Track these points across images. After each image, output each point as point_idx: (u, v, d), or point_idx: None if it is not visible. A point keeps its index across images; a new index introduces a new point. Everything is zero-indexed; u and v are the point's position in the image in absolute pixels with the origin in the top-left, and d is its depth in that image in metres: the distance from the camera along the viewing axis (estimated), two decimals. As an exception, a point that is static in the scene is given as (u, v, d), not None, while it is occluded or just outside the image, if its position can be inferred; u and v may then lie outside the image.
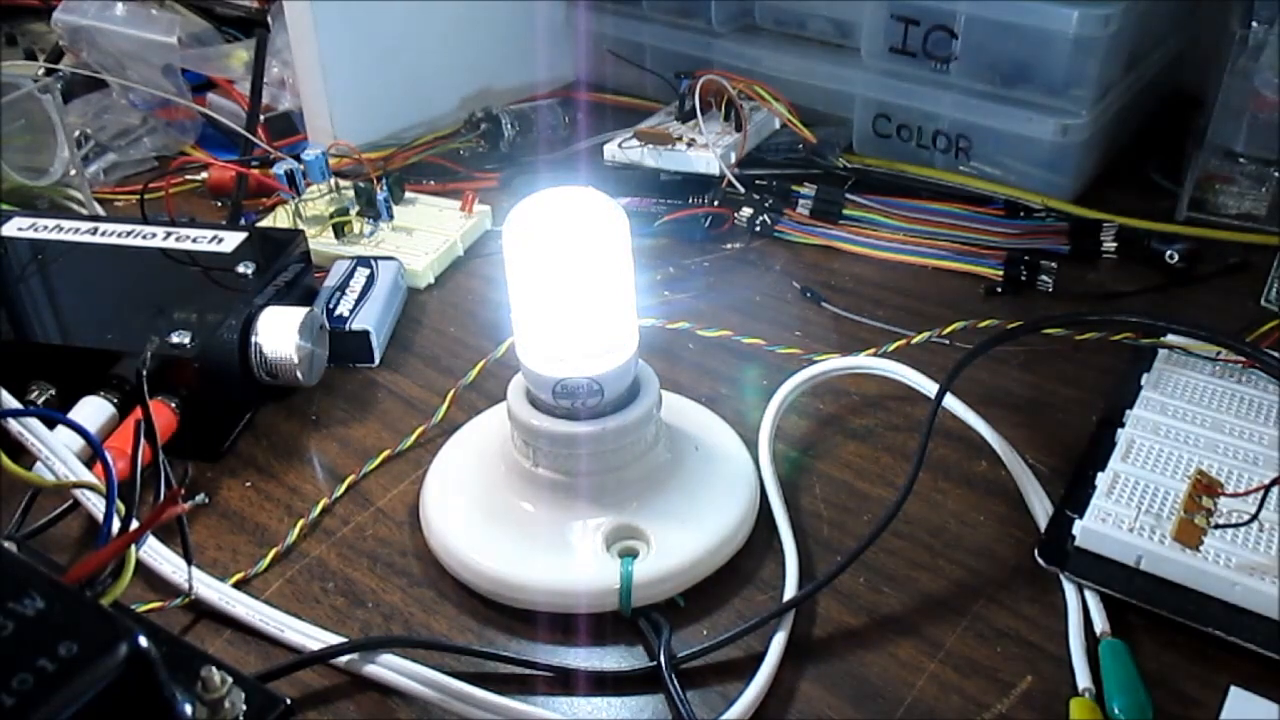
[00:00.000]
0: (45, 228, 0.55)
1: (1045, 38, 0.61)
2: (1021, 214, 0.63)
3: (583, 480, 0.40)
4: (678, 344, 0.54)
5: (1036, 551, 0.40)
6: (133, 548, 0.33)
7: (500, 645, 0.38)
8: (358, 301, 0.54)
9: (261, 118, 0.71)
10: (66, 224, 0.55)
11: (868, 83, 0.69)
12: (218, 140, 0.76)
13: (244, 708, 0.28)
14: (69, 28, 0.73)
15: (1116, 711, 0.34)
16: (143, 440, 0.40)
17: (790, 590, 0.39)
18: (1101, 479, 0.41)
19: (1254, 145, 0.60)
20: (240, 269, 0.51)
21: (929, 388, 0.46)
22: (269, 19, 0.72)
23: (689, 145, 0.66)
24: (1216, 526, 0.37)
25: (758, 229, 0.64)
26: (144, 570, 0.39)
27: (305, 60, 0.68)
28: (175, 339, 0.45)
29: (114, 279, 0.52)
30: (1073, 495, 0.42)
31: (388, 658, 0.36)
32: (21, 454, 0.37)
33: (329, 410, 0.50)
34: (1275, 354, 0.45)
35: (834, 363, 0.49)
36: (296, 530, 0.43)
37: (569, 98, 0.81)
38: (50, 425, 0.40)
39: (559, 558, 0.39)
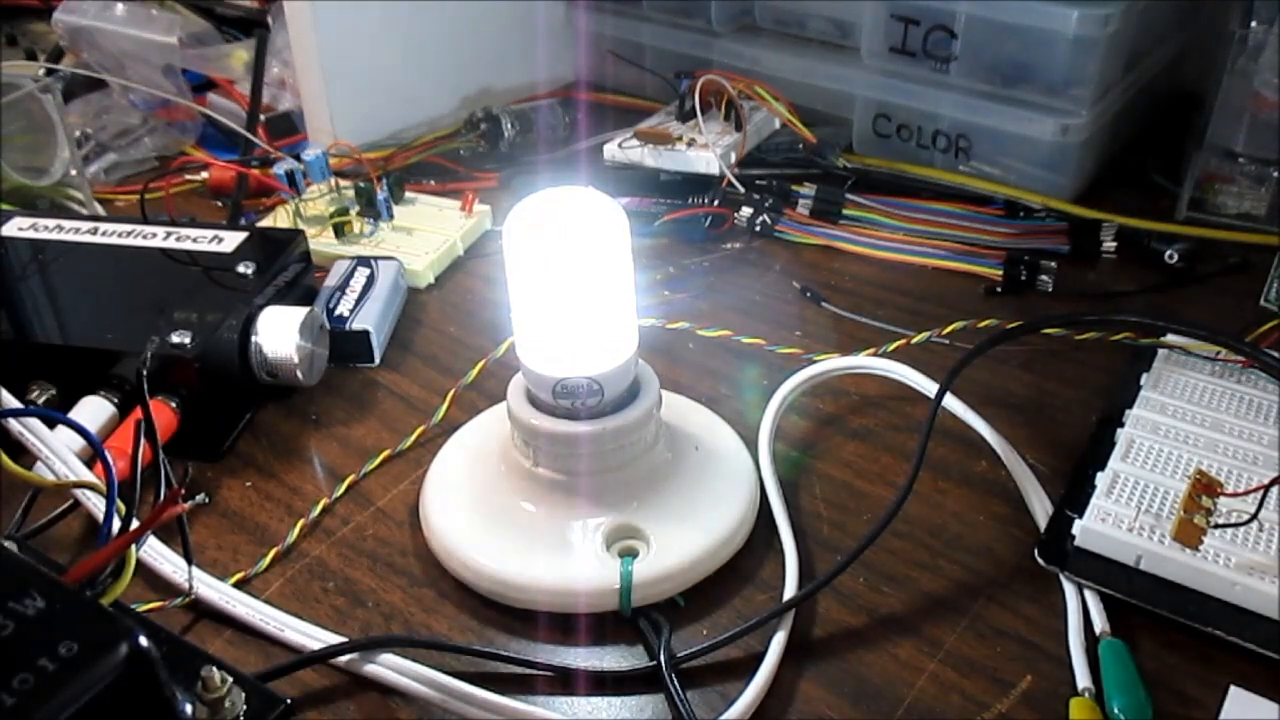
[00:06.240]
0: (45, 228, 0.55)
1: (1045, 38, 0.61)
2: (1021, 214, 0.63)
3: (583, 480, 0.40)
4: (678, 344, 0.54)
5: (1036, 551, 0.40)
6: (133, 547, 0.33)
7: (500, 645, 0.38)
8: (358, 301, 0.54)
9: (261, 118, 0.72)
10: (66, 224, 0.55)
11: (868, 83, 0.68)
12: (218, 140, 0.76)
13: (244, 707, 0.28)
14: (69, 28, 0.73)
15: (1116, 711, 0.34)
16: (143, 440, 0.40)
17: (790, 590, 0.39)
18: (1101, 479, 0.41)
19: (1254, 145, 0.60)
20: (240, 269, 0.51)
21: (929, 388, 0.46)
22: (269, 19, 0.72)
23: (689, 145, 0.66)
24: (1216, 526, 0.37)
25: (758, 229, 0.64)
26: (144, 570, 0.39)
27: (305, 60, 0.68)
28: (175, 339, 0.45)
29: (114, 279, 0.52)
30: (1072, 495, 0.42)
31: (388, 658, 0.36)
32: (21, 454, 0.37)
33: (329, 410, 0.50)
34: (1275, 354, 0.45)
35: (834, 363, 0.49)
36: (296, 530, 0.43)
37: (569, 98, 0.81)
38: (50, 425, 0.40)
39: (559, 558, 0.39)
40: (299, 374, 0.47)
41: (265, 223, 0.64)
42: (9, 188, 0.63)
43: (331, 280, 0.56)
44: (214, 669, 0.27)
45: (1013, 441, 0.45)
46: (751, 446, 0.45)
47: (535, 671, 0.37)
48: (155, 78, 0.73)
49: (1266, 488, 0.37)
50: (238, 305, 0.48)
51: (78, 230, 0.54)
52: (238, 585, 0.40)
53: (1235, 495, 0.38)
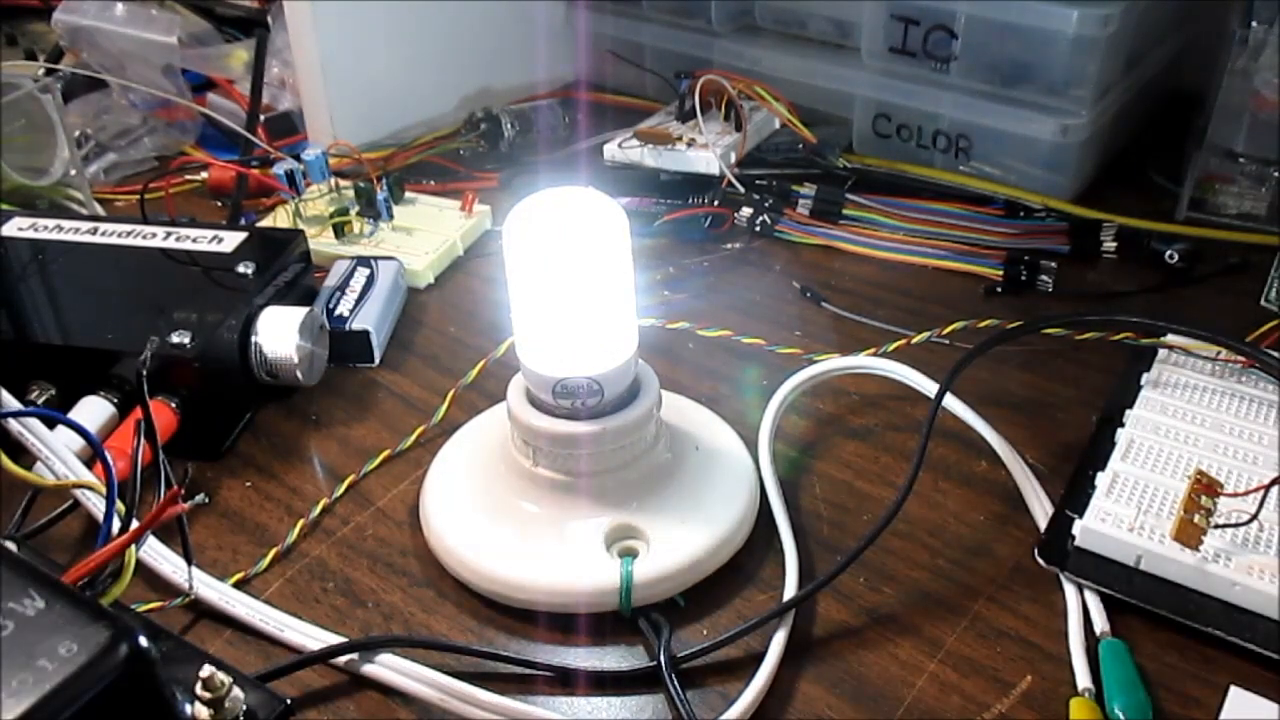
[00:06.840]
0: (45, 228, 0.55)
1: (1045, 38, 0.61)
2: (1021, 214, 0.63)
3: (583, 480, 0.40)
4: (678, 344, 0.54)
5: (1036, 551, 0.40)
6: (133, 547, 0.33)
7: (500, 645, 0.38)
8: (358, 301, 0.54)
9: (261, 118, 0.72)
10: (66, 224, 0.55)
11: (868, 83, 0.69)
12: (218, 140, 0.76)
13: (244, 707, 0.28)
14: (69, 28, 0.73)
15: (1116, 711, 0.34)
16: (143, 440, 0.40)
17: (790, 590, 0.39)
18: (1101, 479, 0.41)
19: (1254, 145, 0.60)
20: (240, 269, 0.51)
21: (929, 388, 0.46)
22: (269, 19, 0.72)
23: (689, 145, 0.66)
24: (1216, 526, 0.37)
25: (758, 229, 0.64)
26: (144, 570, 0.39)
27: (305, 60, 0.68)
28: (175, 339, 0.45)
29: (114, 279, 0.52)
30: (1073, 495, 0.42)
31: (388, 657, 0.36)
32: (21, 454, 0.37)
33: (329, 410, 0.50)
34: (1275, 354, 0.45)
35: (834, 363, 0.49)
36: (296, 530, 0.43)
37: (569, 98, 0.81)
38: (50, 425, 0.40)
39: (559, 558, 0.39)
40: (299, 374, 0.47)
41: (265, 223, 0.64)
42: (9, 188, 0.63)
43: (331, 280, 0.56)
44: (214, 669, 0.27)
45: (1013, 441, 0.45)
46: (751, 446, 0.45)
47: (535, 671, 0.37)
48: (155, 78, 0.73)
49: (1266, 488, 0.37)
50: (238, 305, 0.48)
51: (78, 230, 0.54)
52: (237, 585, 0.40)
53: (1235, 495, 0.38)
